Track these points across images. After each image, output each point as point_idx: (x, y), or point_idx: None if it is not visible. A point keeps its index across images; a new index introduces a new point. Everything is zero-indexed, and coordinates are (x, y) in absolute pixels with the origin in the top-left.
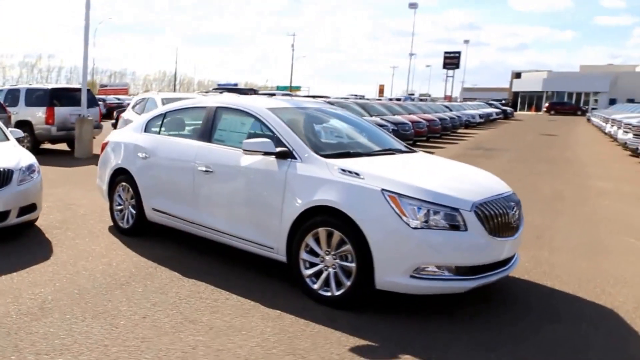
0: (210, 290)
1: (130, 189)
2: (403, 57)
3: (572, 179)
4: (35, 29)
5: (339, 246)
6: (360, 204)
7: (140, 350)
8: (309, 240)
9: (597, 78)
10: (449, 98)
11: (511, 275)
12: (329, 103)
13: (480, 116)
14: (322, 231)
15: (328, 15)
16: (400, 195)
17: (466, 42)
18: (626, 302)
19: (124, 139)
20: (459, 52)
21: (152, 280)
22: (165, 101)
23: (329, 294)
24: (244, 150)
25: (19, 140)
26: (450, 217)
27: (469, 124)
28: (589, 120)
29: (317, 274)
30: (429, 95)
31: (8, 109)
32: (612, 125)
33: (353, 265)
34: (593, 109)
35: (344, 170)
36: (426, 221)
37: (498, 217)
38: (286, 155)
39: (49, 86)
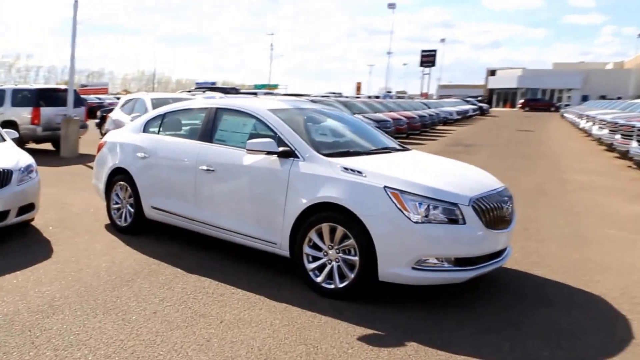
0: (215, 285)
1: (129, 188)
2: (380, 55)
3: (551, 173)
4: (13, 28)
5: (342, 241)
6: (364, 200)
7: (156, 344)
8: (312, 235)
9: (569, 75)
10: (425, 95)
11: (504, 265)
12: (312, 101)
13: (458, 113)
14: (325, 226)
15: (305, 15)
16: (402, 191)
17: (442, 40)
18: (613, 289)
19: (122, 139)
20: (435, 50)
21: (156, 276)
22: (155, 101)
23: (332, 286)
24: (247, 150)
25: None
26: (449, 211)
27: (447, 121)
28: (562, 116)
29: (320, 268)
30: (406, 93)
31: None
32: (587, 122)
33: (356, 258)
34: (566, 105)
35: (346, 168)
36: (427, 216)
37: (493, 211)
38: (289, 154)
39: (35, 86)
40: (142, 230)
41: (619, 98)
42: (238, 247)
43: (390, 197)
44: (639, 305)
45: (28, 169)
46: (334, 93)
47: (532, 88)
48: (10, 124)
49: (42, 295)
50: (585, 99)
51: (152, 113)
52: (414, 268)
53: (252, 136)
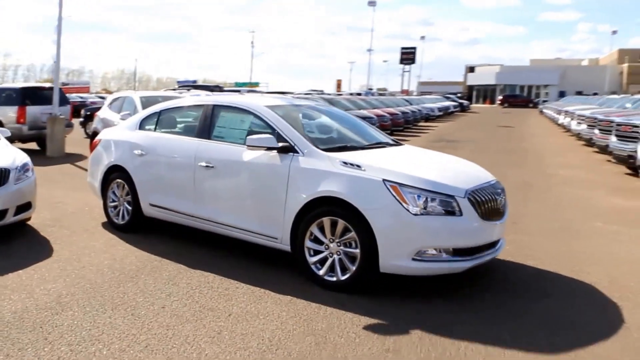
0: (220, 280)
1: (126, 186)
2: (360, 53)
3: (534, 168)
4: None
5: (343, 234)
6: (364, 194)
7: (168, 338)
8: (314, 229)
9: (547, 71)
10: (406, 92)
11: (499, 258)
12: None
13: (439, 109)
14: (326, 220)
15: (285, 13)
16: (401, 184)
17: (422, 38)
18: (602, 279)
19: (117, 136)
20: (414, 48)
21: (159, 272)
22: (144, 99)
23: (334, 279)
24: (247, 146)
25: None
26: (446, 203)
27: (429, 117)
28: (541, 112)
29: (322, 261)
30: (386, 90)
31: None
32: (566, 117)
33: (357, 251)
34: (544, 101)
35: (345, 162)
36: (425, 208)
37: (488, 203)
38: (288, 150)
39: (20, 85)
40: (140, 227)
41: (595, 94)
42: (238, 243)
43: (389, 190)
44: (628, 293)
45: (24, 168)
46: (315, 90)
47: (510, 84)
48: None
49: (49, 293)
50: (562, 95)
51: (148, 110)
52: (414, 259)
53: (251, 133)
